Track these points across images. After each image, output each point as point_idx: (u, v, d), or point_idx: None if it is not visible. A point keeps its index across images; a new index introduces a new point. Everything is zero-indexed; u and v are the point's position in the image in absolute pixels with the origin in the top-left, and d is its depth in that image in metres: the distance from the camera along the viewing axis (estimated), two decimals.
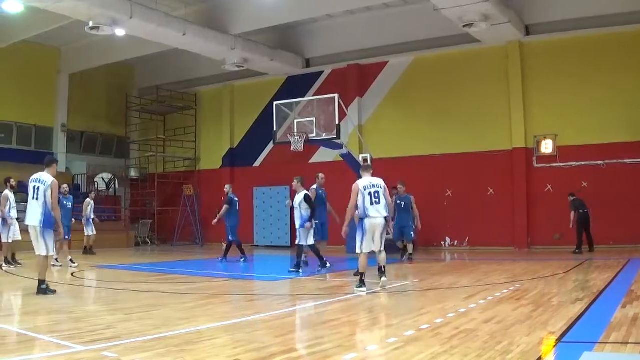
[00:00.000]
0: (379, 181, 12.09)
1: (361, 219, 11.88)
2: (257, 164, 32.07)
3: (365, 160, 20.12)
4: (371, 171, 12.58)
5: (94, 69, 32.09)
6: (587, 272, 14.66)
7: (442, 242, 26.40)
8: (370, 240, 11.79)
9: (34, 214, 11.53)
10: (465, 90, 26.61)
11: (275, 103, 23.31)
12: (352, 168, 23.57)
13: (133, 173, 35.88)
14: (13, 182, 19.17)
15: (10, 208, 18.18)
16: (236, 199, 20.92)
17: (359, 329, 7.95)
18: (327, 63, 29.98)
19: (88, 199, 24.62)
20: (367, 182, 12.03)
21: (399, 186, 19.69)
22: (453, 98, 26.85)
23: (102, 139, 35.35)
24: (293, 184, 16.89)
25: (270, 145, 28.46)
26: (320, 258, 16.46)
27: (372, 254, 11.82)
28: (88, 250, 24.16)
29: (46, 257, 11.59)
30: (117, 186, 36.61)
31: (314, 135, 21.75)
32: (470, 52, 26.55)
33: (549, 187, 24.12)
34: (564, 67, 24.78)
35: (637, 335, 6.99)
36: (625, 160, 23.49)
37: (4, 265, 17.27)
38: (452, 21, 23.27)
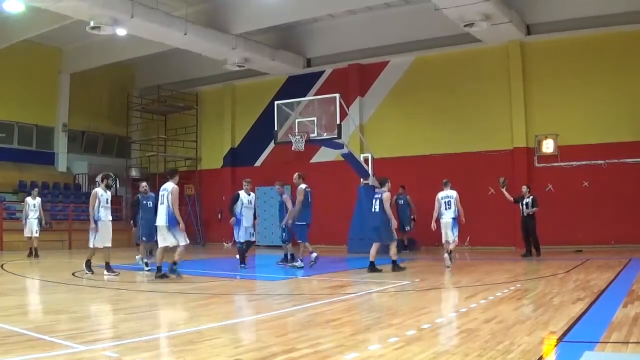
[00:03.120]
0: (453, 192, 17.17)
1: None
2: (258, 163, 32.08)
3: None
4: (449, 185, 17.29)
5: (95, 69, 32.10)
6: (588, 271, 14.65)
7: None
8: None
9: (162, 216, 14.09)
10: (466, 89, 26.63)
11: (276, 103, 23.33)
12: (353, 167, 23.58)
13: (134, 173, 35.84)
14: (110, 182, 17.75)
15: (99, 207, 16.54)
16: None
17: (360, 329, 7.94)
18: (328, 63, 30.01)
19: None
20: (444, 194, 17.30)
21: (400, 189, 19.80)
22: (454, 98, 26.87)
23: (103, 138, 35.40)
24: (294, 180, 16.90)
25: (271, 145, 28.48)
26: (243, 259, 17.19)
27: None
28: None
29: (185, 245, 14.22)
30: (118, 186, 36.60)
31: (315, 135, 21.76)
32: (471, 52, 26.58)
33: (550, 186, 24.12)
34: (565, 66, 24.80)
35: (638, 334, 6.98)
36: (627, 160, 23.50)
37: (105, 273, 15.53)
38: (453, 21, 23.29)
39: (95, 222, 15.31)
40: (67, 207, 29.60)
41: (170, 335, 7.58)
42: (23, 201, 23.71)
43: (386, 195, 16.15)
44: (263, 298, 11.84)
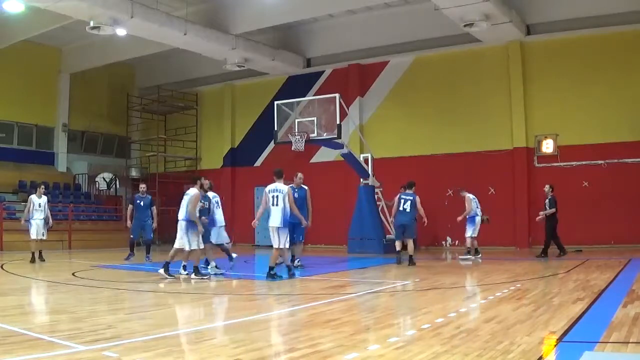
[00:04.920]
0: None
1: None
2: (258, 163, 32.09)
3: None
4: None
5: (95, 69, 32.11)
6: (588, 271, 14.65)
7: (443, 242, 26.45)
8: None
9: (276, 217, 13.99)
10: (466, 90, 26.65)
11: (276, 103, 23.39)
12: (353, 168, 23.58)
13: (134, 173, 35.85)
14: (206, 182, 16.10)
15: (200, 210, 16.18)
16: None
17: (360, 329, 7.94)
18: (328, 63, 30.03)
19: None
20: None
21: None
22: (454, 98, 26.89)
23: (103, 138, 35.39)
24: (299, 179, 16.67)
25: (271, 145, 28.53)
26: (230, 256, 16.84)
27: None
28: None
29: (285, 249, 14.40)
30: (118, 186, 36.64)
31: (315, 135, 21.80)
32: (471, 52, 26.60)
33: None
34: (565, 66, 24.82)
35: (638, 334, 6.98)
36: (626, 160, 23.53)
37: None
38: (453, 21, 23.32)
39: (192, 222, 14.62)
40: (66, 207, 29.59)
41: (170, 335, 7.58)
42: (25, 200, 21.76)
43: (418, 198, 18.24)
44: (263, 298, 11.85)
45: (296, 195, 15.54)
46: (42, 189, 20.49)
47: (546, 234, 19.88)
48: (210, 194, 15.86)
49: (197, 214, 14.37)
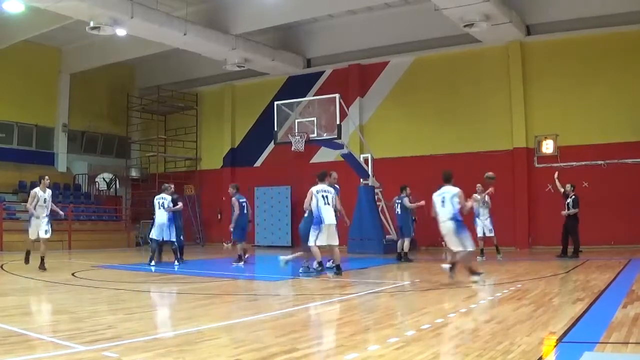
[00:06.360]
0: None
1: None
2: (258, 164, 32.11)
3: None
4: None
5: (95, 69, 32.11)
6: (588, 272, 14.64)
7: (443, 242, 26.30)
8: None
9: (332, 215, 14.59)
10: (466, 90, 26.66)
11: (276, 103, 23.38)
12: (352, 168, 23.57)
13: (134, 173, 35.92)
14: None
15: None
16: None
17: (360, 329, 7.94)
18: (328, 63, 30.06)
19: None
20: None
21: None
22: (454, 98, 26.90)
23: (103, 138, 35.42)
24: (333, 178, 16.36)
25: (271, 145, 28.56)
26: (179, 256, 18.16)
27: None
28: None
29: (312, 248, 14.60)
30: (118, 186, 36.66)
31: (315, 135, 21.80)
32: (471, 52, 26.61)
33: (550, 187, 24.08)
34: (565, 67, 24.83)
35: (638, 335, 6.98)
36: (627, 160, 23.54)
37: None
38: (453, 21, 23.34)
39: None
40: (66, 208, 29.60)
41: (170, 335, 7.58)
42: (25, 201, 19.19)
43: (406, 200, 19.52)
44: (263, 298, 11.84)
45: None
46: (46, 180, 17.21)
47: (571, 233, 19.74)
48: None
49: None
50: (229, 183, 30.90)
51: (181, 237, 19.63)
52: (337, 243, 14.76)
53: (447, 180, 13.39)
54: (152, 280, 14.93)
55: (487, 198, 19.96)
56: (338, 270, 14.51)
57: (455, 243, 12.75)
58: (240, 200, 18.56)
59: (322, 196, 14.56)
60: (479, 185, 20.97)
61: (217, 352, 6.57)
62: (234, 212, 18.48)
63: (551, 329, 7.56)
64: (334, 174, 16.19)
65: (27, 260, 16.90)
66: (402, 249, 19.43)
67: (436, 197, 13.11)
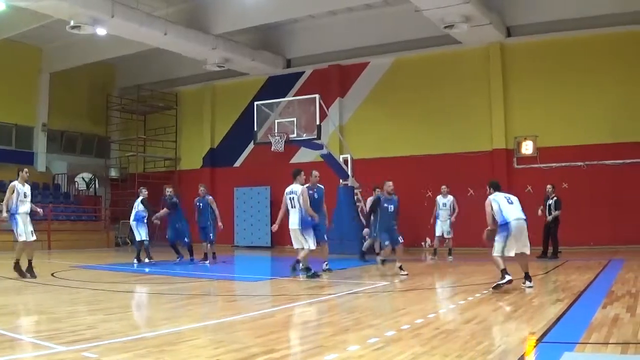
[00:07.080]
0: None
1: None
2: (237, 164, 32.05)
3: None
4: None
5: (75, 68, 31.87)
6: (568, 272, 14.74)
7: (423, 243, 26.44)
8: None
9: (294, 220, 14.33)
10: (446, 91, 26.73)
11: (256, 103, 23.32)
12: (332, 168, 23.56)
13: (113, 173, 35.77)
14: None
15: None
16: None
17: (340, 330, 7.94)
18: (308, 63, 30.04)
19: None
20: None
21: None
22: (434, 99, 26.95)
23: (83, 138, 35.17)
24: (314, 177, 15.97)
25: (251, 146, 28.54)
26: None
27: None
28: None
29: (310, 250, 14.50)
30: (97, 186, 36.48)
31: (295, 135, 21.77)
32: (451, 54, 26.67)
33: (529, 188, 24.17)
34: (545, 68, 24.96)
35: (618, 335, 7.03)
36: (606, 162, 23.66)
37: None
38: (433, 22, 23.38)
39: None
40: (46, 207, 29.39)
41: (149, 336, 7.55)
42: (1, 200, 16.69)
43: (369, 199, 19.41)
44: (243, 299, 11.83)
45: (316, 195, 15.37)
46: (25, 173, 14.98)
47: (551, 234, 20.07)
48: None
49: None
50: (208, 183, 31.07)
51: (185, 239, 20.61)
52: (301, 246, 14.45)
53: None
54: (131, 280, 14.87)
55: (452, 201, 21.23)
56: (307, 271, 14.47)
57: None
58: (194, 200, 20.27)
59: (289, 198, 14.43)
60: (443, 186, 21.25)
61: (197, 353, 6.55)
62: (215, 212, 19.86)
63: (531, 329, 7.60)
64: (315, 173, 15.98)
65: (32, 273, 14.48)
66: (365, 248, 20.27)
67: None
